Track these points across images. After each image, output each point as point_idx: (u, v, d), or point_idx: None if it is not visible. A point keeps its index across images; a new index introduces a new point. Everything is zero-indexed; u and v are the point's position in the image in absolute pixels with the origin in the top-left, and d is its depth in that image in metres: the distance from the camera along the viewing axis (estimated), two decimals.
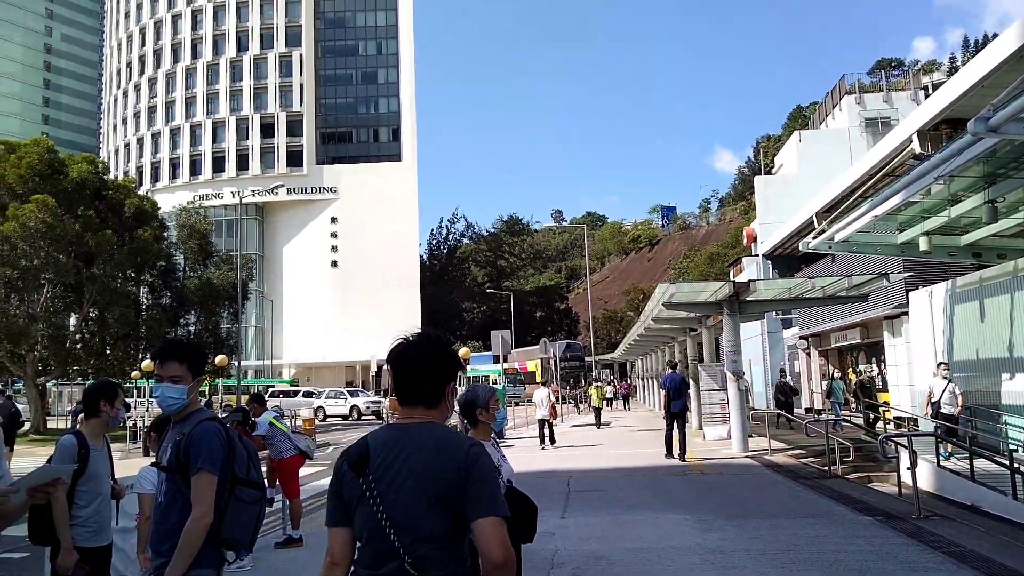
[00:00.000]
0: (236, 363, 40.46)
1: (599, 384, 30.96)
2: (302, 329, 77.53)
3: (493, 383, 42.63)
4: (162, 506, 3.33)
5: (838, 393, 22.62)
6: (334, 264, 79.87)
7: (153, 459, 3.85)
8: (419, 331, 2.53)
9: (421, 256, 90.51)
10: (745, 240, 42.60)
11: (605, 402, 29.01)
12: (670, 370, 17.86)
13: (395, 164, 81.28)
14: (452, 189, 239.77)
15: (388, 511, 2.26)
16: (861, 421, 19.74)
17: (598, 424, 27.67)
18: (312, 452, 10.35)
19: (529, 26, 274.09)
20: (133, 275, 38.79)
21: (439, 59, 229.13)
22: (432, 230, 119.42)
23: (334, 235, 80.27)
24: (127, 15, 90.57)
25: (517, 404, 34.75)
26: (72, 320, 38.03)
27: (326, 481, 15.51)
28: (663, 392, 16.81)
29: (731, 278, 33.32)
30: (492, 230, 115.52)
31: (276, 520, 10.43)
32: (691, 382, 22.32)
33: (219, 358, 39.99)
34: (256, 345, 77.43)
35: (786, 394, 24.00)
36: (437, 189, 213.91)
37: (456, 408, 4.08)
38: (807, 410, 28.33)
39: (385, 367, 3.09)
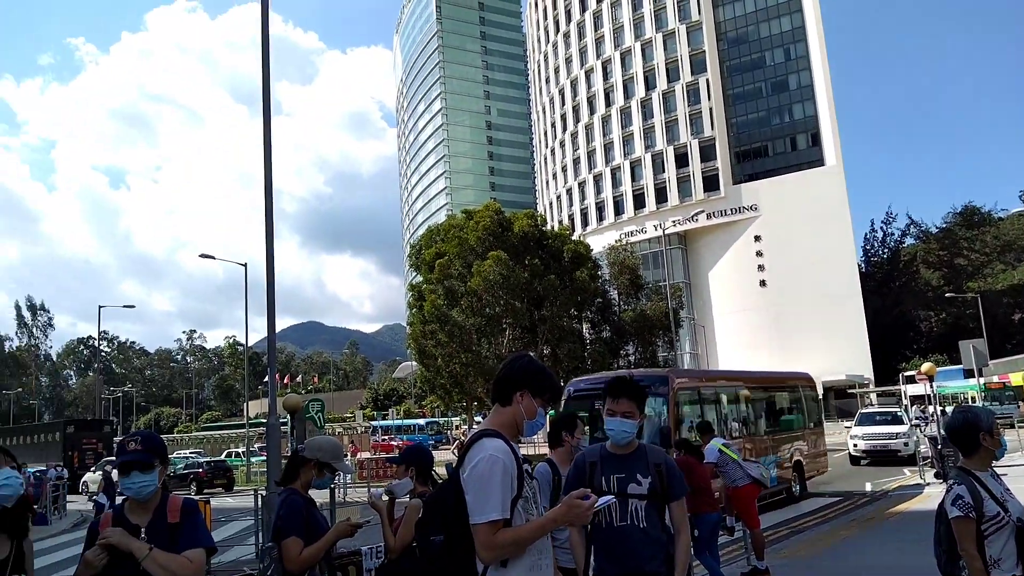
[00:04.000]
0: None
1: None
2: (737, 352, 76.39)
3: (971, 401, 36.84)
4: (639, 528, 3.66)
5: None
6: (763, 283, 77.60)
7: None
8: None
9: (859, 265, 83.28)
10: None
11: None
12: None
13: (818, 170, 76.45)
14: (879, 189, 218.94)
15: None
16: None
17: None
18: (767, 480, 9.64)
19: None
20: (575, 313, 42.01)
21: (849, 49, 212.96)
22: (864, 235, 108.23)
23: (759, 253, 78.10)
24: (547, 80, 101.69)
25: (1011, 427, 29.29)
26: None
27: (785, 513, 14.46)
28: None
29: None
30: (942, 225, 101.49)
31: (737, 550, 10.02)
32: None
33: None
34: None
35: None
36: (862, 192, 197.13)
37: (942, 434, 3.84)
38: None
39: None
